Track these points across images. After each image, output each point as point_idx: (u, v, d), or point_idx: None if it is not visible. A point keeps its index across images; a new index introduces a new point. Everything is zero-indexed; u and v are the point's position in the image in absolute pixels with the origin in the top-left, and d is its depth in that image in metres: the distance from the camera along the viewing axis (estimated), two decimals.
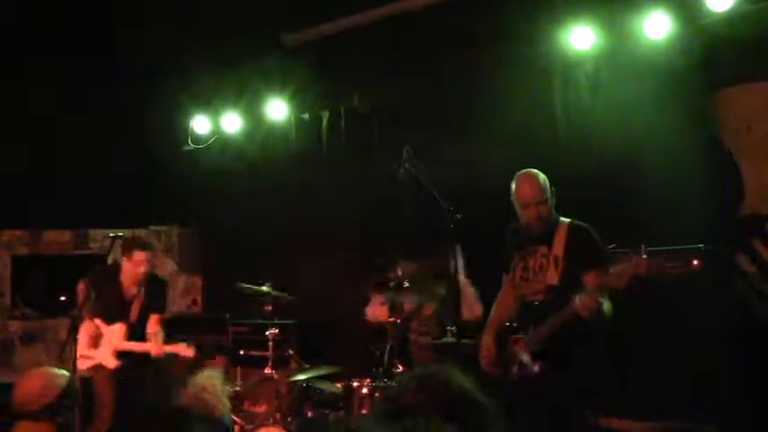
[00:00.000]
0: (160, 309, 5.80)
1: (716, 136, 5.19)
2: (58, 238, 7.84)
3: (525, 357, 4.05)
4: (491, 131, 5.93)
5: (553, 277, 4.09)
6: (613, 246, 4.92)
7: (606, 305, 3.84)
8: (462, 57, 6.15)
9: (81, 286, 5.67)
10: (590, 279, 3.97)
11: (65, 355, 5.27)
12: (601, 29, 5.54)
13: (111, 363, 5.52)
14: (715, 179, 5.02)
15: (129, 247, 5.69)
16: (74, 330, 5.28)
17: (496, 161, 5.67)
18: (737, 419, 4.27)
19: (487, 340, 4.31)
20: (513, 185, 4.23)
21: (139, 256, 5.66)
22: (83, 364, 5.46)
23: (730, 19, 4.96)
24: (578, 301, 3.79)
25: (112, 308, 5.66)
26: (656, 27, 5.24)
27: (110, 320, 5.60)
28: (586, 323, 3.80)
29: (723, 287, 4.82)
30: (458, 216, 4.59)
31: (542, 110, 5.80)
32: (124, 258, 5.66)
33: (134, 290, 5.74)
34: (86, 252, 7.73)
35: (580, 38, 5.56)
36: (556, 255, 4.12)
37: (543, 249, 4.19)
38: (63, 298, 7.57)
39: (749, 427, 4.30)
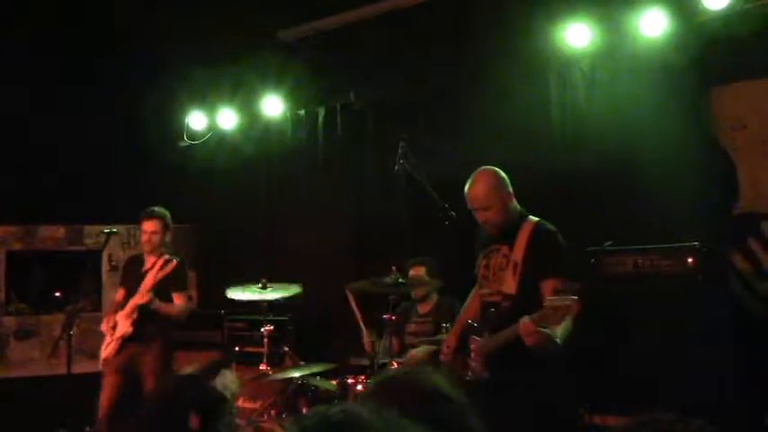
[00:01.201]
0: (180, 287, 5.88)
1: (711, 134, 5.20)
2: (52, 234, 7.82)
3: (473, 363, 3.95)
4: (487, 128, 5.92)
5: (510, 285, 3.90)
6: (609, 243, 4.94)
7: (560, 331, 3.60)
8: (458, 53, 6.15)
9: (119, 293, 6.00)
10: (547, 287, 3.75)
11: (58, 351, 5.29)
12: (597, 26, 5.53)
13: (127, 328, 5.60)
14: (710, 177, 5.03)
15: (140, 218, 5.87)
16: (68, 326, 5.29)
17: (492, 158, 5.64)
18: (731, 417, 4.27)
19: (450, 338, 4.23)
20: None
21: (145, 225, 5.81)
22: (105, 353, 5.67)
23: (726, 17, 4.95)
24: (522, 326, 3.59)
25: (132, 280, 5.83)
26: (653, 25, 5.23)
27: (131, 293, 5.72)
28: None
29: (717, 285, 4.83)
30: (453, 213, 4.60)
31: (538, 107, 5.80)
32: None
33: (150, 262, 5.83)
34: (81, 248, 7.71)
35: (576, 35, 5.56)
36: (515, 260, 3.92)
37: (504, 249, 4.01)
38: (57, 294, 7.56)
39: (744, 426, 4.31)
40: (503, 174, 4.10)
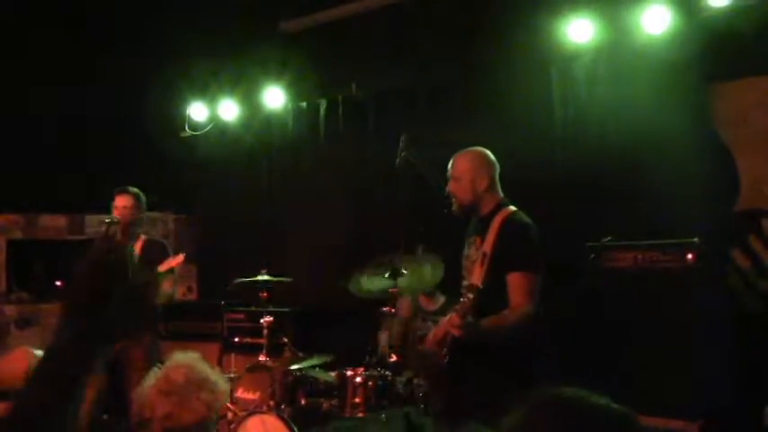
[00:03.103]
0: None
1: (713, 130, 5.19)
2: (53, 223, 7.83)
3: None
4: (489, 122, 5.92)
5: (477, 276, 3.72)
6: (609, 238, 4.95)
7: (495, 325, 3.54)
8: (461, 47, 6.15)
9: None
10: (512, 281, 3.64)
11: None
12: (600, 22, 5.53)
13: None
14: (711, 173, 5.03)
15: (113, 195, 5.65)
16: None
17: (494, 151, 5.64)
18: (729, 414, 4.28)
19: (438, 328, 3.98)
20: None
21: (118, 201, 5.61)
22: None
23: (729, 13, 4.96)
24: (447, 319, 3.52)
25: None
26: (655, 21, 5.23)
27: None
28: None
29: (717, 282, 4.84)
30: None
31: (540, 101, 5.80)
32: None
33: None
34: (82, 237, 7.72)
35: (579, 31, 5.56)
36: (484, 251, 3.76)
37: (478, 241, 3.88)
38: (58, 283, 7.58)
39: (743, 422, 4.32)
40: (491, 159, 3.99)
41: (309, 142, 7.30)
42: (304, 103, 7.38)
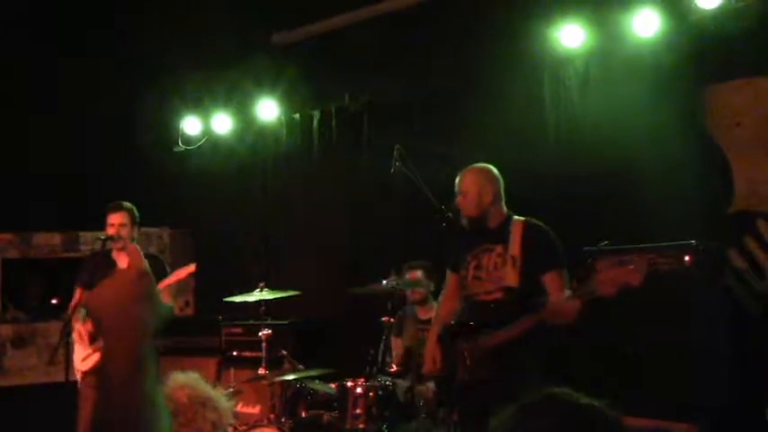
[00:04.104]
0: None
1: (706, 132, 5.21)
2: (48, 241, 7.80)
3: (469, 363, 3.91)
4: (482, 129, 5.93)
5: (511, 278, 3.92)
6: (605, 243, 4.94)
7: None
8: (453, 55, 6.16)
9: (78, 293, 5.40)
10: (551, 281, 3.86)
11: (56, 358, 5.23)
12: (590, 26, 5.56)
13: None
14: (705, 175, 5.04)
15: (106, 212, 5.43)
16: (66, 334, 5.22)
17: (487, 159, 5.66)
18: (728, 413, 4.28)
19: (432, 349, 4.13)
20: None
21: (112, 218, 5.40)
22: (86, 366, 5.34)
23: (719, 16, 4.98)
24: (549, 306, 3.65)
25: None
26: (645, 24, 5.25)
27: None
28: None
29: (714, 283, 4.84)
30: (449, 215, 4.59)
31: (533, 107, 5.81)
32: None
33: (125, 264, 5.40)
34: (77, 254, 7.69)
35: (570, 35, 5.58)
36: (513, 255, 3.96)
37: (499, 249, 4.03)
38: (54, 301, 7.55)
39: (741, 421, 4.32)
40: (496, 175, 4.17)
41: (303, 154, 7.30)
42: (297, 115, 7.39)
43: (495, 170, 4.19)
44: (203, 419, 2.18)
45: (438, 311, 4.42)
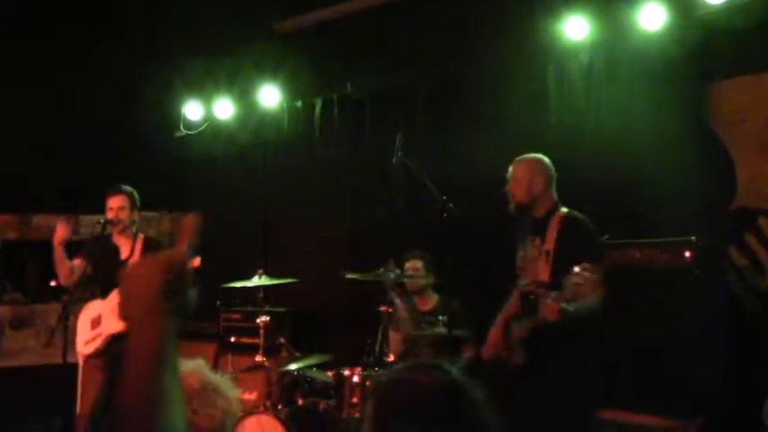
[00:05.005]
0: None
1: (710, 128, 5.19)
2: (47, 223, 7.78)
3: (511, 350, 4.15)
4: (485, 121, 5.92)
5: (544, 272, 4.10)
6: (607, 237, 4.94)
7: (584, 303, 3.80)
8: (456, 45, 6.13)
9: (77, 261, 5.45)
10: None
11: (54, 340, 5.24)
12: (595, 19, 5.53)
13: (118, 326, 5.00)
14: (708, 171, 5.02)
15: (105, 195, 5.52)
16: (64, 317, 5.23)
17: (490, 150, 5.65)
18: (726, 413, 4.28)
19: (494, 332, 4.30)
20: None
21: (111, 202, 5.48)
22: (88, 349, 5.35)
23: (726, 10, 4.95)
24: (544, 306, 3.84)
25: (109, 274, 5.21)
26: (652, 18, 5.22)
27: (111, 287, 5.17)
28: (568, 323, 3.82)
29: (714, 279, 4.83)
30: (451, 205, 4.59)
31: (537, 99, 5.78)
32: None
33: (126, 249, 5.56)
34: (76, 237, 7.68)
35: (575, 28, 5.55)
36: (547, 249, 4.12)
37: (537, 241, 4.20)
38: (53, 283, 7.53)
39: (738, 421, 4.32)
40: (549, 165, 4.34)
41: (305, 141, 7.28)
42: (299, 102, 7.36)
43: (547, 160, 4.35)
44: (214, 406, 2.17)
45: (507, 303, 4.45)
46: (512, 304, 4.37)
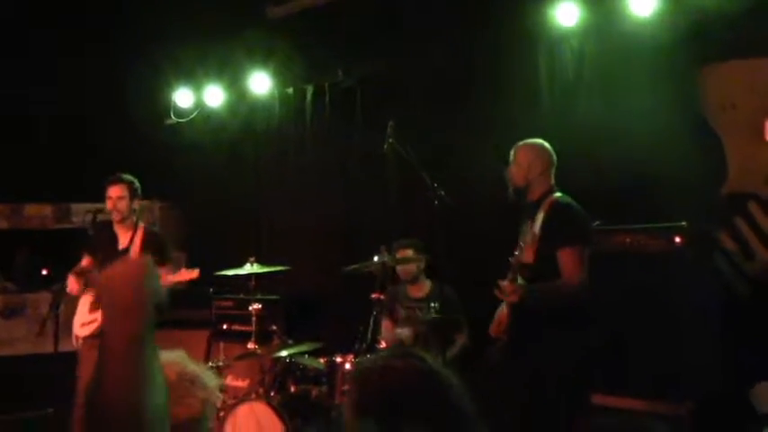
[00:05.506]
0: (162, 261, 5.42)
1: (701, 113, 5.18)
2: (39, 212, 7.77)
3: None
4: (476, 107, 5.91)
5: (529, 255, 4.20)
6: (597, 222, 4.95)
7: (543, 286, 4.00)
8: (447, 32, 6.11)
9: (85, 262, 5.55)
10: (563, 258, 4.08)
11: (45, 329, 5.24)
12: (586, 5, 5.51)
13: None
14: (699, 156, 5.02)
15: (105, 184, 5.52)
16: (56, 306, 5.23)
17: (481, 136, 5.65)
18: (718, 397, 4.30)
19: (501, 313, 4.41)
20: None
21: (111, 191, 5.48)
22: (84, 332, 5.40)
23: None
24: (502, 288, 4.00)
25: (108, 263, 5.43)
26: (643, 3, 5.21)
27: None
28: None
29: (705, 265, 4.85)
30: (442, 192, 4.59)
31: (528, 85, 5.78)
32: None
33: (126, 237, 5.57)
34: (68, 226, 7.66)
35: (566, 14, 5.53)
36: (534, 232, 4.22)
37: (530, 224, 4.30)
38: (44, 272, 7.53)
39: (728, 404, 4.34)
40: (549, 151, 4.44)
41: (296, 128, 7.26)
42: (290, 89, 7.34)
43: (548, 146, 4.45)
44: (193, 397, 2.16)
45: None
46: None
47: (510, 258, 4.29)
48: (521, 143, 4.48)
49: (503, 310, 4.41)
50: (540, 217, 4.24)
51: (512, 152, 4.47)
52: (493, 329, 4.48)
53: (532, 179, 4.36)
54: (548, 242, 4.12)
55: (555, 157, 4.46)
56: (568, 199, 4.32)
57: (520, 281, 4.18)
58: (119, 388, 1.42)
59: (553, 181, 4.42)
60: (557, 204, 4.26)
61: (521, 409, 4.04)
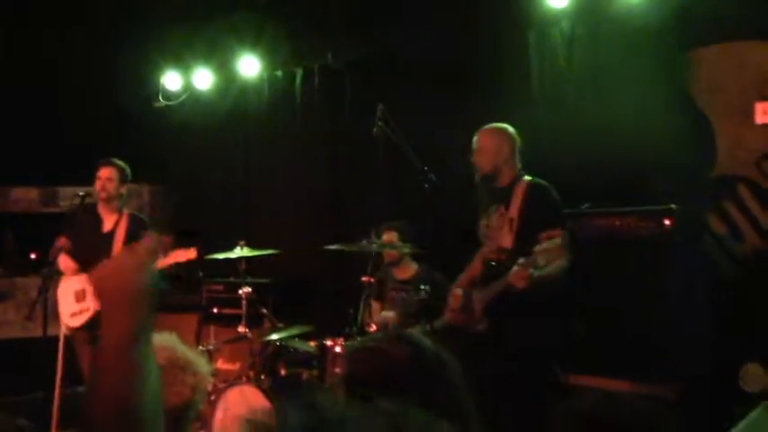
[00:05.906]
0: None
1: (689, 96, 5.19)
2: (26, 196, 7.72)
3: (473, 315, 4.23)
4: (466, 89, 5.89)
5: (507, 240, 4.16)
6: (587, 205, 4.96)
7: (550, 270, 3.88)
8: (437, 15, 6.08)
9: (62, 241, 5.38)
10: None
11: (35, 314, 5.22)
12: None
13: None
14: (688, 139, 5.03)
15: (96, 166, 5.56)
16: (44, 290, 5.21)
17: (471, 118, 5.63)
18: (707, 378, 4.33)
19: (456, 291, 4.38)
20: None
21: (101, 172, 5.54)
22: (74, 322, 5.37)
23: None
24: (512, 273, 3.88)
25: (90, 244, 5.41)
26: None
27: (90, 257, 5.04)
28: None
29: (694, 247, 4.87)
30: (432, 176, 4.58)
31: (517, 67, 5.76)
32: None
33: (110, 221, 5.59)
34: (55, 210, 7.62)
35: None
36: (511, 216, 4.18)
37: (502, 209, 4.26)
38: (33, 256, 7.48)
39: (718, 387, 4.37)
40: (513, 134, 4.40)
41: (285, 111, 7.24)
42: (279, 72, 7.32)
43: (512, 130, 4.39)
44: (182, 383, 2.15)
45: (467, 268, 4.53)
46: (472, 269, 4.43)
47: (484, 250, 4.27)
48: (484, 128, 4.42)
49: (455, 296, 4.38)
50: (516, 201, 4.20)
51: (474, 138, 4.41)
52: (448, 316, 4.43)
53: (501, 164, 4.32)
54: (530, 225, 4.04)
55: (518, 139, 4.41)
56: (542, 181, 4.31)
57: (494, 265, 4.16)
58: (115, 387, 1.42)
59: (520, 164, 4.39)
60: (533, 188, 4.24)
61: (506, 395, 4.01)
